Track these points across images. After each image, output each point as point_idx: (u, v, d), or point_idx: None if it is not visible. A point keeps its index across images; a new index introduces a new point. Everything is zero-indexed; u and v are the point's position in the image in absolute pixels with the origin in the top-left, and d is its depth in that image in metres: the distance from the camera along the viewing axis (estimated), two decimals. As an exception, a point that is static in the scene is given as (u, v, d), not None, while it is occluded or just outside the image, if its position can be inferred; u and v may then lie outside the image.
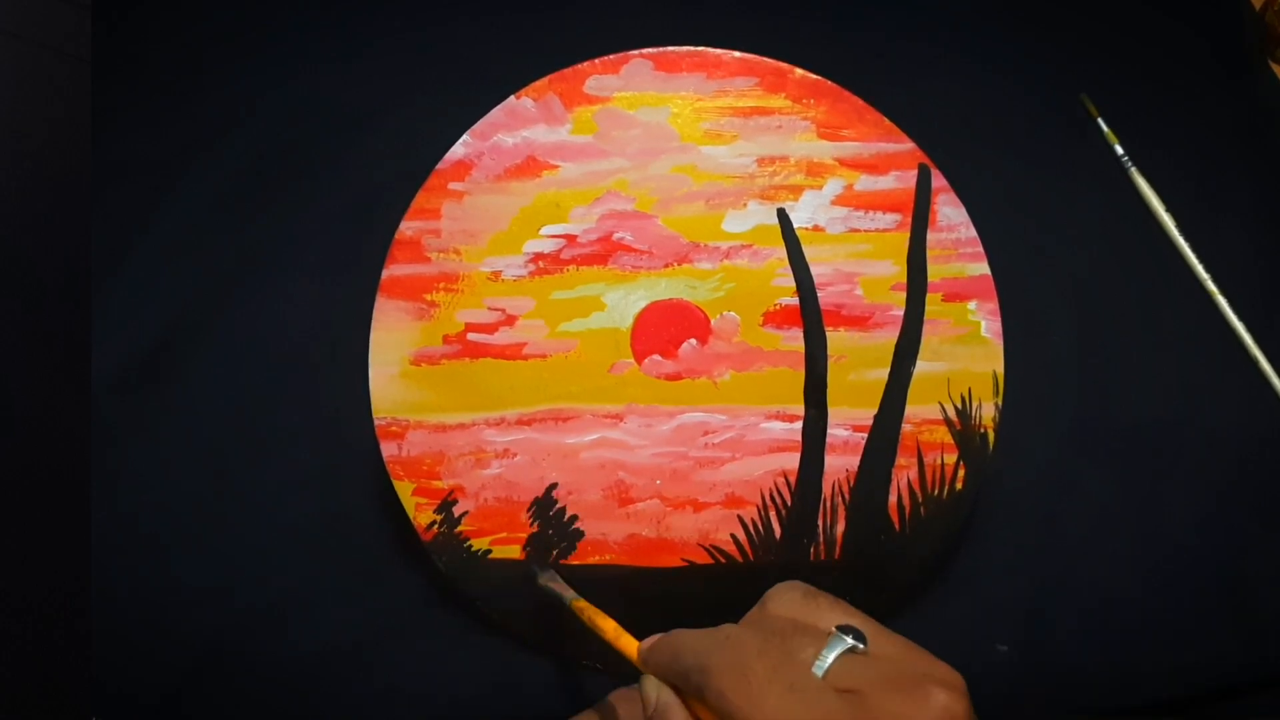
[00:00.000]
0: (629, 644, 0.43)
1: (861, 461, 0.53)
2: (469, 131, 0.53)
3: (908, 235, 0.54)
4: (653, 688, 0.40)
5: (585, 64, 0.54)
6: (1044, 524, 0.57)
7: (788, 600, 0.39)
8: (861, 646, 0.36)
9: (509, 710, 0.54)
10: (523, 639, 0.53)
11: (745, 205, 0.53)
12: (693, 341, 0.53)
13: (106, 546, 0.55)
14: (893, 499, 0.52)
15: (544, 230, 0.53)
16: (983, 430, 0.53)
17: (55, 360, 0.64)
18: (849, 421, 0.53)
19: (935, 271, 0.53)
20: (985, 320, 0.53)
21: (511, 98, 0.53)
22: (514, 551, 0.52)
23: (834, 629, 0.37)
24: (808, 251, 0.53)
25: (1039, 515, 0.57)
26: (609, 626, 0.44)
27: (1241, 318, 0.59)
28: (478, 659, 0.54)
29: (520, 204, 0.53)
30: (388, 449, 0.51)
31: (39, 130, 0.66)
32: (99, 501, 0.55)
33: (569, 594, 0.48)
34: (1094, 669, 0.56)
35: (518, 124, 0.53)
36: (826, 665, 0.36)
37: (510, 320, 0.52)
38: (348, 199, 0.58)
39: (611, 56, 0.54)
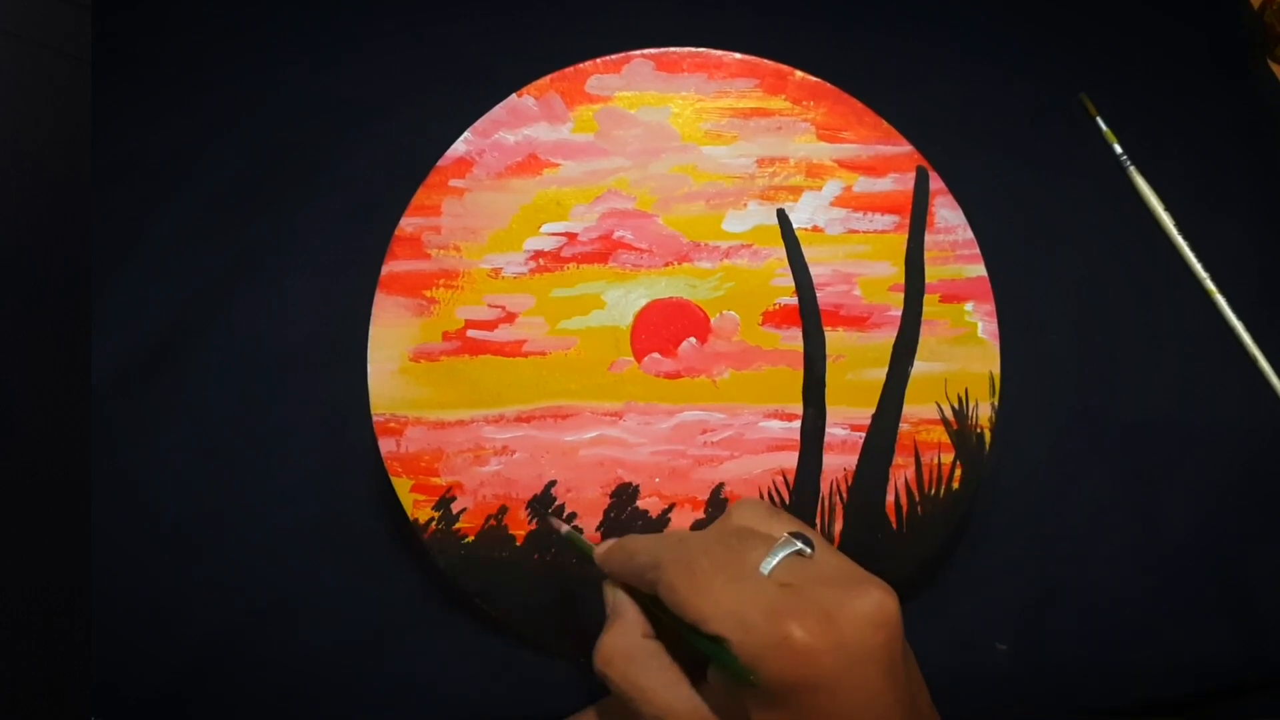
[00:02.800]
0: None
1: (859, 461, 0.53)
2: (470, 129, 0.53)
3: (906, 237, 0.54)
4: (610, 590, 0.43)
5: (587, 63, 0.54)
6: (1041, 524, 0.57)
7: (750, 513, 0.42)
8: (809, 551, 0.39)
9: (508, 708, 0.54)
10: (521, 636, 0.53)
11: (745, 205, 0.54)
12: (692, 340, 0.53)
13: (106, 546, 0.55)
14: (890, 498, 0.52)
15: (545, 228, 0.53)
16: (979, 430, 0.53)
17: (55, 360, 0.64)
18: (847, 421, 0.53)
19: (933, 273, 0.54)
20: (982, 321, 0.53)
21: (513, 95, 0.53)
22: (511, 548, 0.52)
23: (785, 534, 0.39)
24: (807, 252, 0.54)
25: (1036, 515, 0.57)
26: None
27: (1241, 317, 0.59)
28: (476, 656, 0.54)
29: (521, 201, 0.53)
30: (386, 445, 0.51)
31: (39, 130, 0.66)
32: (99, 501, 0.55)
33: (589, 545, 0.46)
34: (1094, 669, 0.56)
35: (519, 122, 0.53)
36: (772, 565, 0.38)
37: (510, 317, 0.52)
38: (348, 197, 0.59)
39: (613, 56, 0.54)
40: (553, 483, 0.52)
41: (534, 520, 0.51)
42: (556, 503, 0.52)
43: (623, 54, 0.54)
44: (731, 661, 0.36)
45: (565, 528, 0.48)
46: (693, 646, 0.38)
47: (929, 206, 0.54)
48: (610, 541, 0.44)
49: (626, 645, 0.40)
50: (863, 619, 0.36)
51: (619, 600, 0.42)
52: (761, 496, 0.52)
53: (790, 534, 0.39)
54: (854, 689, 0.35)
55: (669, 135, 0.54)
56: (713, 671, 0.38)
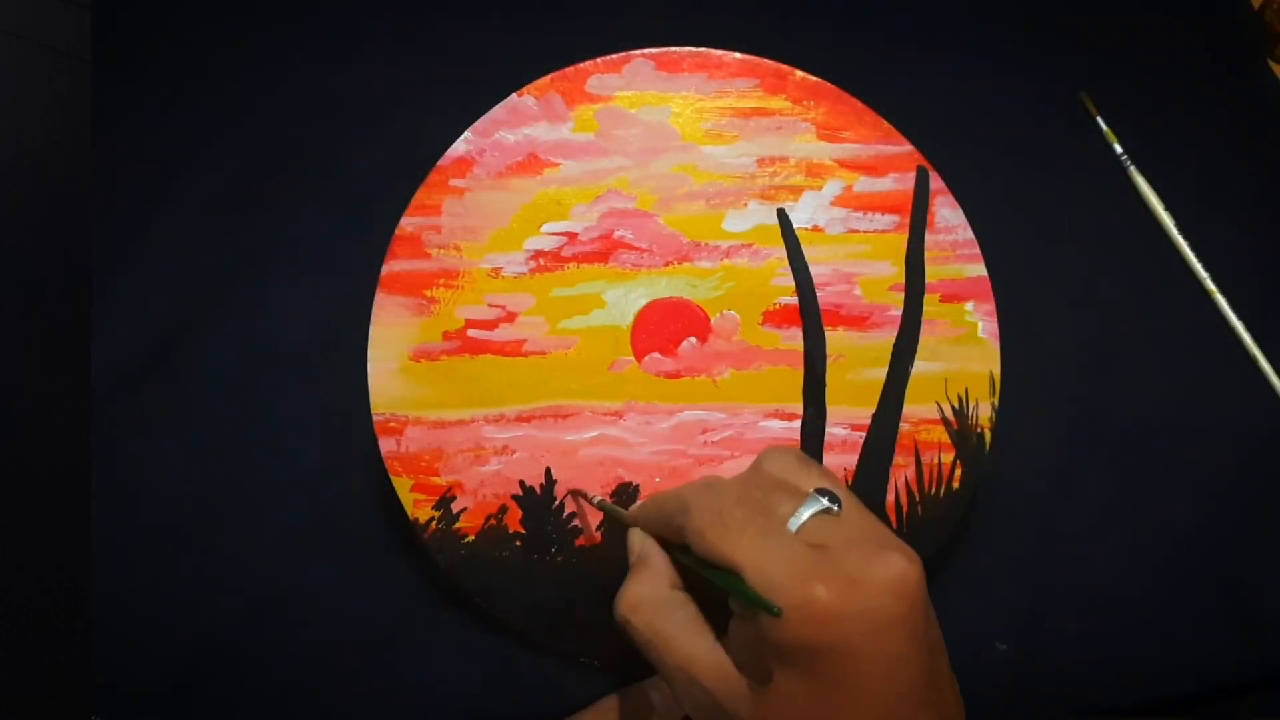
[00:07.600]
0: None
1: (859, 460, 0.53)
2: (470, 128, 0.53)
3: (906, 236, 0.54)
4: (637, 538, 0.44)
5: (587, 63, 0.54)
6: (1042, 523, 0.57)
7: (780, 461, 0.41)
8: (836, 509, 0.38)
9: (508, 709, 0.54)
10: (521, 636, 0.53)
11: (745, 205, 0.54)
12: (692, 340, 0.53)
13: (107, 545, 0.55)
14: (890, 498, 0.52)
15: (545, 227, 0.53)
16: (979, 430, 0.53)
17: (55, 360, 0.64)
18: (847, 420, 0.53)
19: (933, 272, 0.54)
20: (982, 321, 0.53)
21: (513, 95, 0.53)
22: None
23: (813, 490, 0.39)
24: (807, 251, 0.54)
25: (1036, 515, 0.57)
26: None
27: (1241, 317, 0.59)
28: (476, 656, 0.54)
29: (521, 201, 0.53)
30: (386, 445, 0.51)
31: (39, 130, 0.66)
32: (99, 500, 0.55)
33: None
34: (1094, 669, 0.56)
35: (519, 121, 0.53)
36: (801, 521, 0.38)
37: (511, 317, 0.52)
38: (348, 197, 0.58)
39: (613, 56, 0.54)
40: (553, 482, 0.52)
41: (567, 498, 0.52)
42: (556, 502, 0.52)
43: (623, 54, 0.54)
44: (751, 593, 0.36)
45: (598, 498, 0.49)
46: (718, 599, 0.39)
47: (929, 206, 0.54)
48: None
49: (653, 594, 0.41)
50: (886, 586, 0.36)
51: (647, 548, 0.43)
52: None
53: (818, 490, 0.39)
54: (875, 655, 0.35)
55: (669, 135, 0.54)
56: (735, 624, 0.39)
